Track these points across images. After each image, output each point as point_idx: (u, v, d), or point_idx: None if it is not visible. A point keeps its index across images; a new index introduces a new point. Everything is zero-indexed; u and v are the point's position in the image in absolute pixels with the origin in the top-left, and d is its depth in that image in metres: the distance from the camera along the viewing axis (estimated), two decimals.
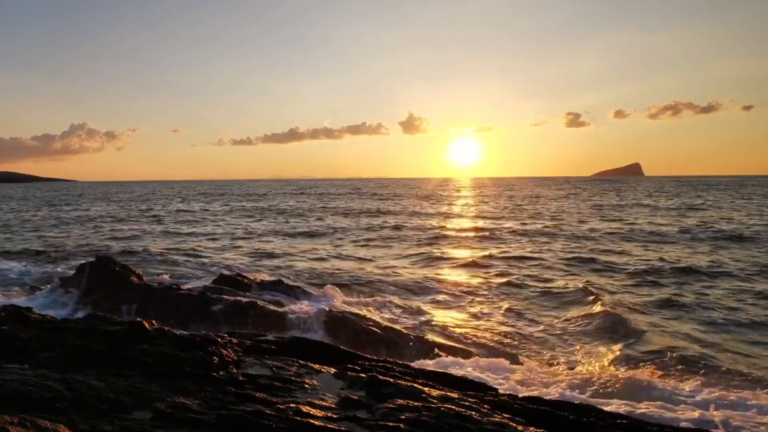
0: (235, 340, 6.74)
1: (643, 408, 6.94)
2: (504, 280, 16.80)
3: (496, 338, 11.01)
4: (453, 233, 30.22)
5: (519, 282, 16.47)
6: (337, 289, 14.74)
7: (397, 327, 10.83)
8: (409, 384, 5.46)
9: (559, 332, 11.51)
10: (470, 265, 19.81)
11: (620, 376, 8.38)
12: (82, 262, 14.11)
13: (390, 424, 4.39)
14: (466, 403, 4.99)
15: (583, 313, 12.69)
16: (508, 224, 34.67)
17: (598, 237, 27.07)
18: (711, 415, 6.90)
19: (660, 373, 8.84)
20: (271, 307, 10.91)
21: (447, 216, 43.08)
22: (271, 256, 22.32)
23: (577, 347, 10.56)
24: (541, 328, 11.85)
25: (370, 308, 12.79)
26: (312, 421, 4.35)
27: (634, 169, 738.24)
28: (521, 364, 9.41)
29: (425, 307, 13.22)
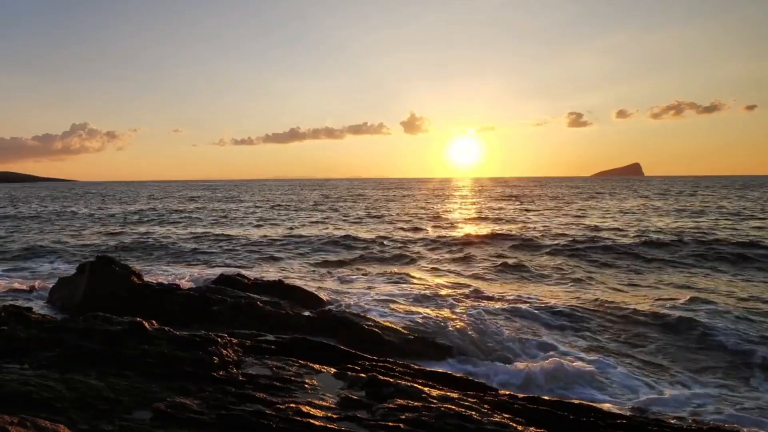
0: (235, 340, 6.75)
1: None
2: None
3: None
4: None
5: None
6: (338, 289, 14.72)
7: (397, 327, 10.83)
8: (409, 384, 5.46)
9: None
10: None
11: None
12: (82, 261, 14.12)
13: (390, 424, 4.39)
14: (466, 403, 4.99)
15: None
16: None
17: None
18: None
19: None
20: (271, 308, 10.90)
21: None
22: None
23: None
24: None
25: (371, 308, 12.79)
26: (312, 421, 4.36)
27: (634, 169, 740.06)
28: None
29: (429, 307, 13.20)
